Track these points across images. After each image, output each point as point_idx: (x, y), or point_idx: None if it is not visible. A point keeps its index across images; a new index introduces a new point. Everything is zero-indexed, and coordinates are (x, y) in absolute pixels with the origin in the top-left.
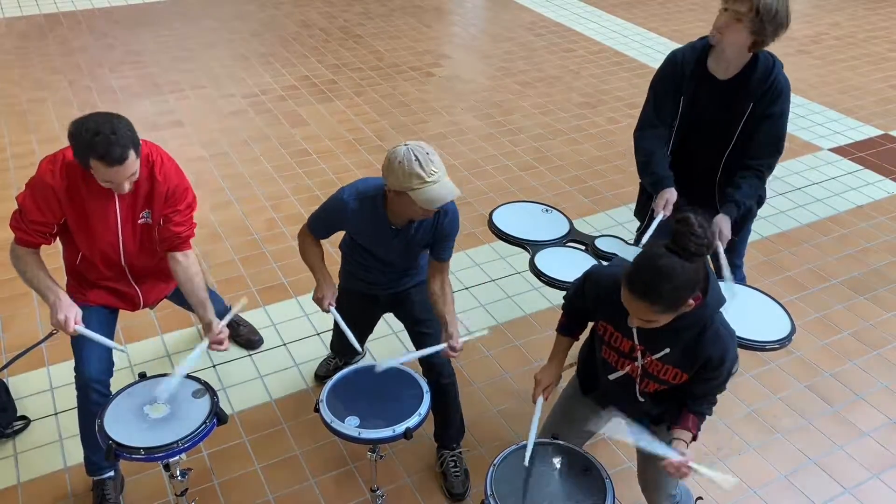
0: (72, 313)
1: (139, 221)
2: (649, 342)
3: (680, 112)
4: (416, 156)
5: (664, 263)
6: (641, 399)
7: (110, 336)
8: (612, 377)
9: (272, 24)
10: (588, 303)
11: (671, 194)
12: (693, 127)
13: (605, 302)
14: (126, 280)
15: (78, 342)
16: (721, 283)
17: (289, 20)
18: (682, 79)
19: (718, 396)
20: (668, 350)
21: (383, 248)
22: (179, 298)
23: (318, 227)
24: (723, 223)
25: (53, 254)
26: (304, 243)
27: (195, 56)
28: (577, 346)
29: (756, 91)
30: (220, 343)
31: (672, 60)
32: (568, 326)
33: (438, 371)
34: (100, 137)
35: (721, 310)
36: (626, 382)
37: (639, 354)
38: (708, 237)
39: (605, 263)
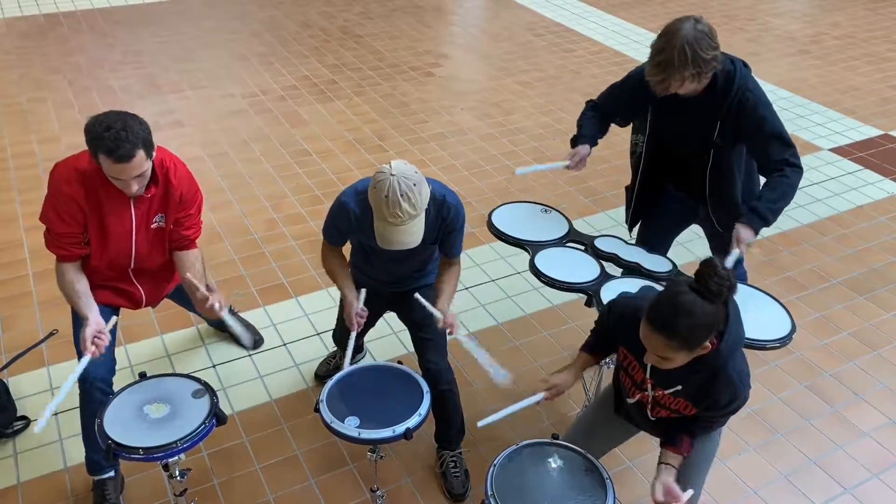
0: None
1: (152, 226)
2: (661, 379)
3: (649, 121)
4: (388, 193)
5: (684, 300)
6: (653, 419)
7: (112, 337)
8: (630, 401)
9: (272, 24)
10: (610, 326)
11: (584, 149)
12: (666, 133)
13: (625, 329)
14: (129, 279)
15: (77, 331)
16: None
17: (289, 20)
18: (645, 92)
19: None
20: (679, 388)
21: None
22: (180, 298)
23: (331, 234)
24: (741, 228)
25: (50, 256)
26: (324, 256)
27: (195, 56)
28: None
29: (721, 107)
30: (209, 305)
31: (640, 76)
32: (592, 346)
33: (436, 377)
34: (110, 133)
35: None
36: (639, 409)
37: (649, 387)
38: (731, 280)
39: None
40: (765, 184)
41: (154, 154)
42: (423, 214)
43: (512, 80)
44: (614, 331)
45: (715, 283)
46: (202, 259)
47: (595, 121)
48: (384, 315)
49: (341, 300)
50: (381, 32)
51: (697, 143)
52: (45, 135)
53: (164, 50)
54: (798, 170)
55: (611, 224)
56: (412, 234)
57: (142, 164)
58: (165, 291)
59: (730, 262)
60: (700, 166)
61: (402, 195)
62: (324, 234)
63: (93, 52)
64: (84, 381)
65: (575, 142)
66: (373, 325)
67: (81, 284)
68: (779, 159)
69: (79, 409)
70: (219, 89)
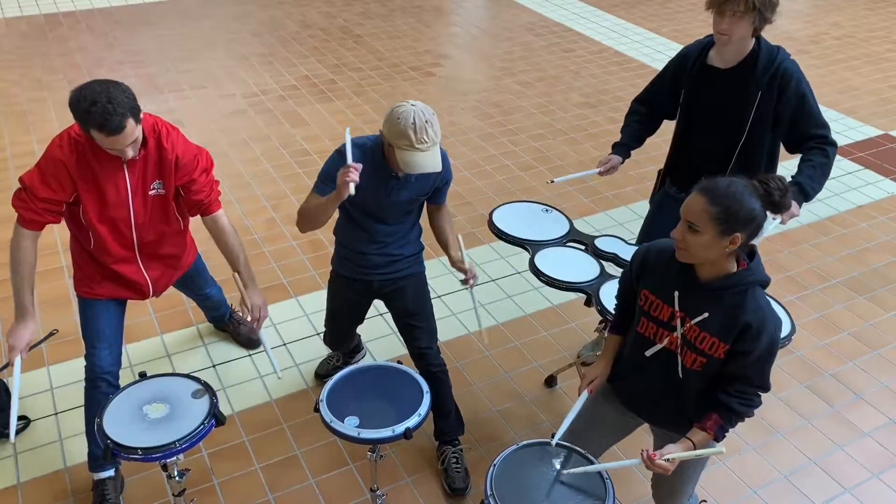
0: (22, 342)
1: (150, 193)
2: (690, 307)
3: (681, 104)
4: (415, 120)
5: (740, 182)
6: (682, 376)
7: (120, 330)
8: (649, 353)
9: (272, 24)
10: (633, 272)
11: (615, 160)
12: (698, 118)
13: (651, 268)
14: (136, 264)
15: (89, 333)
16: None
17: (289, 20)
18: (683, 70)
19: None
20: (706, 314)
21: (382, 199)
22: (185, 286)
23: (324, 185)
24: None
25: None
26: (304, 204)
27: (195, 56)
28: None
29: (762, 78)
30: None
31: (681, 53)
32: (617, 325)
33: (428, 361)
34: (97, 108)
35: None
36: (666, 361)
37: (678, 322)
38: (788, 190)
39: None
40: (804, 159)
41: (142, 118)
42: (439, 144)
43: (512, 80)
44: (636, 278)
45: (774, 183)
46: (241, 242)
47: (637, 125)
48: (384, 315)
49: (328, 303)
50: (381, 32)
51: (729, 126)
52: (45, 135)
53: (164, 50)
54: (835, 147)
55: (611, 224)
56: (436, 158)
57: (133, 131)
58: (172, 279)
59: (768, 230)
60: (726, 156)
61: (427, 122)
62: (316, 188)
63: (93, 52)
64: (92, 373)
65: (615, 146)
66: (362, 319)
67: (32, 265)
68: (818, 135)
69: (84, 403)
70: (219, 89)
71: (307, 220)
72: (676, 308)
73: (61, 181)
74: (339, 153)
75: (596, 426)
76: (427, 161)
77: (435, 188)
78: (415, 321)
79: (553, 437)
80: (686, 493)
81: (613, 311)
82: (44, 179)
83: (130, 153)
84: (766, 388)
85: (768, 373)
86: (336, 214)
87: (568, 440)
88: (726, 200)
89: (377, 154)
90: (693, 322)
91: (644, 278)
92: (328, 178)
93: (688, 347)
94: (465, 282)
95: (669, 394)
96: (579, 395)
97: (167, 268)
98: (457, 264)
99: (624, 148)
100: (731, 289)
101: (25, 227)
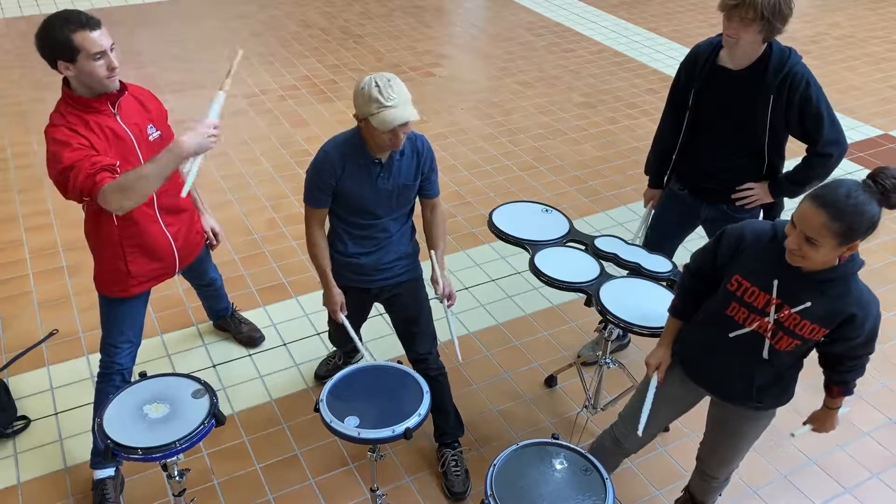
0: None
1: (150, 139)
2: (790, 295)
3: (690, 102)
4: (376, 83)
5: (860, 192)
6: (766, 357)
7: (141, 328)
8: (733, 335)
9: (272, 24)
10: (720, 259)
11: (654, 194)
12: (706, 118)
13: (746, 252)
14: (157, 222)
15: (111, 332)
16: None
17: (289, 20)
18: (694, 70)
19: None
20: (809, 304)
21: (371, 191)
22: (193, 271)
23: (313, 194)
24: (762, 188)
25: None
26: (310, 231)
27: (195, 56)
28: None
29: (773, 81)
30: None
31: (692, 51)
32: (681, 308)
33: (426, 365)
34: (67, 13)
35: None
36: (749, 343)
37: (772, 309)
38: None
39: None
40: (799, 164)
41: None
42: (410, 102)
43: (512, 80)
44: (726, 263)
45: (890, 181)
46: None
47: (665, 146)
48: (384, 315)
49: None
50: (381, 32)
51: (738, 127)
52: None
53: (164, 50)
54: (825, 158)
55: (611, 224)
56: (410, 109)
57: (108, 34)
58: (192, 243)
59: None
60: (734, 157)
61: (388, 80)
62: (306, 199)
63: None
64: (108, 367)
65: (647, 170)
66: (364, 319)
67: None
68: (817, 147)
69: (94, 397)
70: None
71: (312, 255)
72: (774, 296)
73: (80, 140)
74: (324, 153)
75: (661, 401)
76: (401, 113)
77: (422, 175)
78: (414, 327)
79: (639, 426)
80: (742, 457)
81: (677, 293)
82: (65, 148)
83: (115, 60)
84: (873, 351)
85: (874, 341)
86: (328, 225)
87: (632, 418)
88: (849, 216)
89: (357, 142)
90: (794, 310)
91: (737, 261)
92: (313, 186)
93: (783, 332)
94: (441, 300)
95: (747, 373)
96: (648, 378)
97: (183, 225)
98: (433, 280)
99: (654, 180)
100: (835, 280)
101: (106, 182)
